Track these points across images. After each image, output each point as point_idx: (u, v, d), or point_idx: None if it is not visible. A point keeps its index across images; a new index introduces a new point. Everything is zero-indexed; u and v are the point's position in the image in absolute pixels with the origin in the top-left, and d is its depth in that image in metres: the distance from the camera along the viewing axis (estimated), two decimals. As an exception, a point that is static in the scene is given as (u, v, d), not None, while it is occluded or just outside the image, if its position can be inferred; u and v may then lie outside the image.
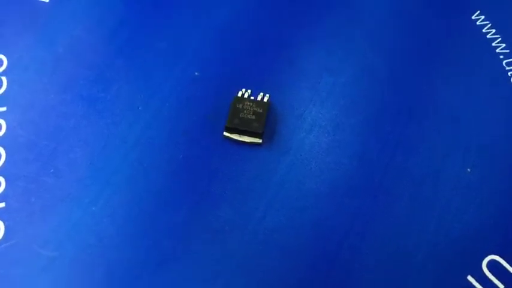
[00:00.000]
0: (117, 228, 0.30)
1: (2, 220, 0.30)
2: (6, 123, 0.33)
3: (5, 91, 0.34)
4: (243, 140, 0.32)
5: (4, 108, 0.33)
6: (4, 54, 0.35)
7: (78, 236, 0.30)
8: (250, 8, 0.37)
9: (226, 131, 0.32)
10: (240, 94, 0.33)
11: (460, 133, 0.33)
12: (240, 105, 0.33)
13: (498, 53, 0.36)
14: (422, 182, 0.32)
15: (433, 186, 0.32)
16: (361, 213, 0.31)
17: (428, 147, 0.33)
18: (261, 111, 0.33)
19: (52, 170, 0.31)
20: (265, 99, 0.33)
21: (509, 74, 0.35)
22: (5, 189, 0.31)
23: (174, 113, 0.33)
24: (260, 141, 0.32)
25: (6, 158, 0.32)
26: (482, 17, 0.37)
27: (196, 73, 0.35)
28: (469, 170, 0.32)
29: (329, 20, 0.37)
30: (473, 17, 0.37)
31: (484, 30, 0.37)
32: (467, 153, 0.33)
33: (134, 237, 0.30)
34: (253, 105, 0.33)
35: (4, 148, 0.32)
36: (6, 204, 0.30)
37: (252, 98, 0.33)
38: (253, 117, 0.32)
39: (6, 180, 0.31)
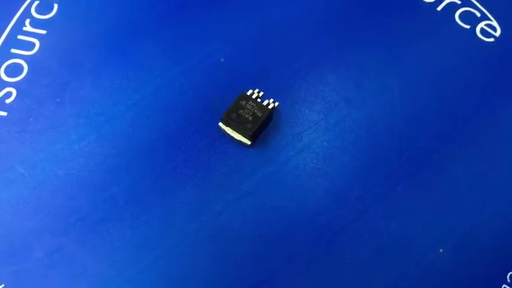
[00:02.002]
0: (85, 171, 0.32)
1: (-4, 127, 0.33)
2: (40, 45, 0.35)
3: (52, 17, 0.36)
4: (234, 136, 0.33)
5: (44, 32, 0.36)
6: (65, -16, 0.37)
7: (51, 165, 0.32)
8: (296, 16, 0.37)
9: (221, 122, 0.33)
10: (249, 93, 0.33)
11: (448, 213, 0.31)
12: (243, 103, 0.33)
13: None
14: (385, 247, 0.30)
15: (393, 255, 0.30)
16: (311, 249, 0.30)
17: (409, 214, 0.31)
18: (260, 115, 0.32)
19: (58, 100, 0.34)
20: (270, 106, 0.33)
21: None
22: (12, 101, 0.33)
23: (184, 88, 0.34)
24: (249, 142, 0.32)
25: (25, 74, 0.34)
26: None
27: (221, 59, 0.35)
28: (441, 250, 0.30)
29: (369, 51, 0.36)
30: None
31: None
32: (446, 235, 0.30)
33: (95, 186, 0.31)
34: (255, 107, 0.33)
35: (28, 65, 0.35)
36: (7, 115, 0.33)
37: (259, 100, 0.33)
38: (251, 118, 0.32)
39: (16, 94, 0.34)
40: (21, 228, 0.30)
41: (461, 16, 0.37)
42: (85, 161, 0.32)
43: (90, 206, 0.31)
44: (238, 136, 0.33)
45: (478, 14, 0.37)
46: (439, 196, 0.32)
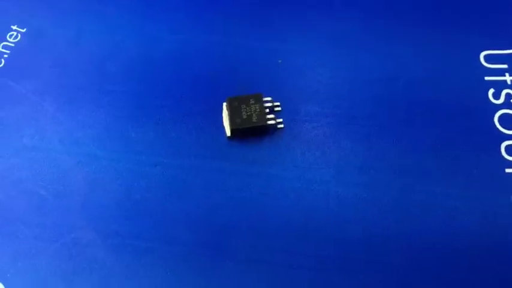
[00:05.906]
0: (105, 60, 0.36)
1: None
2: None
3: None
4: (224, 120, 0.33)
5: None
6: None
7: (92, 38, 0.37)
8: (365, 74, 0.35)
9: (226, 102, 0.33)
10: (266, 99, 0.33)
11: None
12: (252, 101, 0.33)
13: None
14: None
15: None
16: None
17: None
18: (254, 120, 0.32)
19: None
20: (272, 122, 0.32)
21: None
22: None
23: (230, 60, 0.35)
24: (229, 134, 0.32)
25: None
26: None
27: (279, 61, 0.35)
28: None
29: (407, 151, 0.32)
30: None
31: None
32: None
33: (102, 76, 0.35)
34: (257, 112, 0.32)
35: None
36: None
37: (267, 110, 0.33)
38: (245, 116, 0.32)
39: None
40: (38, 66, 0.35)
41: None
42: (110, 53, 0.36)
43: (85, 84, 0.35)
44: (225, 122, 0.33)
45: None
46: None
